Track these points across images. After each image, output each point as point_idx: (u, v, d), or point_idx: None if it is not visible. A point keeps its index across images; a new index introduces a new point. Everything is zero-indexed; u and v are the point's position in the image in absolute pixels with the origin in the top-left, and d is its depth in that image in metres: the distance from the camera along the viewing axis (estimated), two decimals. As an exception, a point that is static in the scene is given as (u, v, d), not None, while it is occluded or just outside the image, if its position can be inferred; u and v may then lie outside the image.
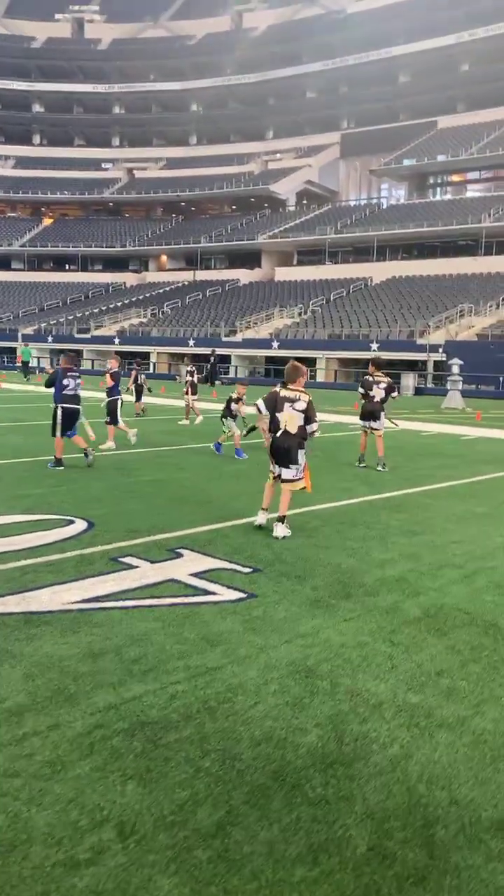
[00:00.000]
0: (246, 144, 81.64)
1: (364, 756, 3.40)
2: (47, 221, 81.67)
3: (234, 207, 79.22)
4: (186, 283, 67.11)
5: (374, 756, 3.41)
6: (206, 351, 43.71)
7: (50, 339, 56.90)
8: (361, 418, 12.44)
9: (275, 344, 46.01)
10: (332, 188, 75.77)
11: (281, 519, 7.49)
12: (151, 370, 50.03)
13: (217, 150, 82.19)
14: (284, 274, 62.83)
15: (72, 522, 7.69)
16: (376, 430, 12.16)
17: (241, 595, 5.58)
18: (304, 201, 74.06)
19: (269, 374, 46.91)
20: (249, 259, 67.62)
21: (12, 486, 9.62)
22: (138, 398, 20.65)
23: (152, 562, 6.35)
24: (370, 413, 12.17)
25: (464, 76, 68.78)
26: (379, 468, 11.90)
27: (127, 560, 6.39)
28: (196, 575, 6.03)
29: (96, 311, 62.77)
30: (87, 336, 56.33)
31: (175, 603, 5.37)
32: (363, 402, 12.35)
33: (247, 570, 6.23)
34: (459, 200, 62.92)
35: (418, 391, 37.42)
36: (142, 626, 4.89)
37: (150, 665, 4.30)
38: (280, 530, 7.41)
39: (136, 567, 6.20)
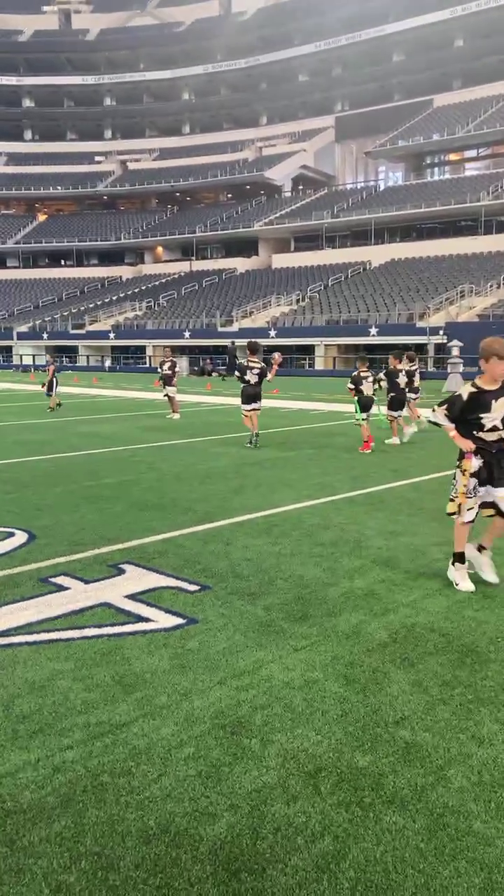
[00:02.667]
0: (239, 131, 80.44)
1: (283, 857, 2.60)
2: (41, 217, 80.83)
3: (229, 196, 78.10)
4: (183, 273, 66.17)
5: (297, 856, 2.60)
6: (204, 343, 42.88)
7: (45, 336, 56.15)
8: (244, 403, 13.00)
9: (272, 332, 45.10)
10: (328, 172, 74.53)
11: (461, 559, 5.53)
12: (147, 364, 49.33)
13: (210, 139, 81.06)
14: (281, 261, 61.81)
15: (11, 535, 6.91)
16: (257, 409, 13.03)
17: (180, 621, 4.78)
18: (300, 186, 72.89)
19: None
20: (246, 247, 66.62)
21: (-39, 495, 8.84)
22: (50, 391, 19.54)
23: (86, 582, 5.56)
24: (251, 396, 12.89)
25: (458, 52, 67.30)
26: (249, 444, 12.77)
27: (59, 580, 5.60)
28: (132, 597, 5.23)
29: (91, 305, 61.96)
30: (82, 332, 55.54)
31: (99, 635, 4.57)
32: (243, 386, 12.94)
33: (194, 587, 5.43)
34: (457, 179, 61.64)
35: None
36: (48, 668, 4.09)
37: (41, 723, 3.51)
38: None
39: (68, 589, 5.41)
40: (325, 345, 42.76)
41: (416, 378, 14.47)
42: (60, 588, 5.44)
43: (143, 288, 64.98)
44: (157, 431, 15.27)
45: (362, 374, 12.44)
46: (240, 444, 13.13)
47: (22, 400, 22.89)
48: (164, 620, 4.80)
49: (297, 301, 51.30)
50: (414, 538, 6.78)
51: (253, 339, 14.22)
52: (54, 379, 19.57)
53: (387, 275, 51.33)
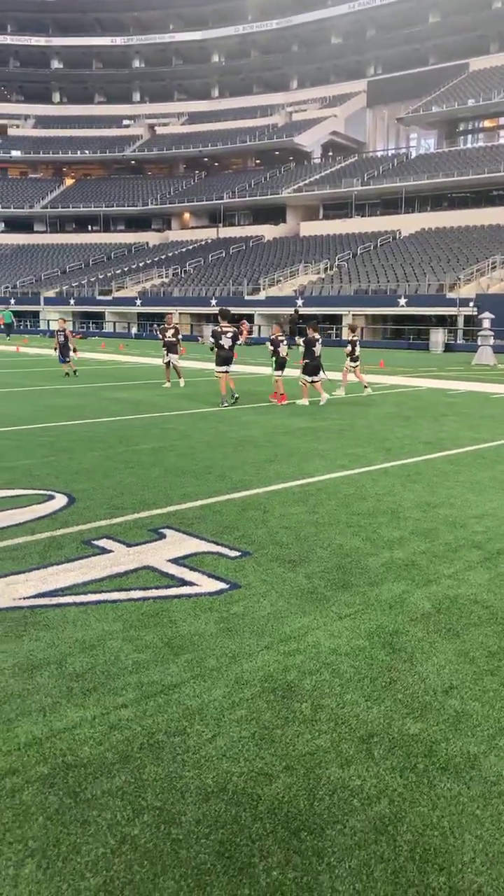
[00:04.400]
0: (269, 96, 79.05)
1: (341, 818, 2.64)
2: (69, 182, 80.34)
3: (257, 161, 77.06)
4: (210, 240, 65.60)
5: (355, 817, 2.64)
6: (231, 311, 42.55)
7: (72, 301, 56.17)
8: (217, 365, 14.03)
9: (299, 301, 44.69)
10: (358, 139, 73.14)
11: None
12: (174, 331, 49.05)
13: (240, 103, 79.79)
14: (310, 228, 61.00)
15: (52, 498, 6.99)
16: (228, 372, 14.11)
17: (223, 586, 4.83)
18: (330, 153, 71.66)
19: (293, 332, 45.67)
20: (274, 214, 65.83)
21: (-1, 458, 8.94)
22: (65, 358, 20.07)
23: (129, 545, 5.62)
24: (224, 359, 13.91)
25: (496, 14, 65.31)
26: (230, 400, 14.01)
27: (101, 543, 5.67)
28: (175, 561, 5.28)
29: (118, 272, 61.74)
30: (109, 298, 55.47)
31: (144, 597, 4.63)
32: (217, 350, 13.87)
33: (234, 553, 5.48)
34: (491, 147, 60.15)
35: (448, 347, 36.01)
36: (98, 629, 4.16)
37: (95, 682, 3.58)
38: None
39: (110, 552, 5.48)
40: (353, 314, 42.28)
41: (357, 347, 16.21)
42: (104, 551, 5.50)
43: (170, 254, 64.56)
44: (186, 399, 15.29)
45: (279, 337, 14.74)
46: (270, 413, 13.11)
47: (51, 364, 22.96)
48: (207, 585, 4.85)
49: (325, 269, 50.74)
50: (452, 510, 6.75)
51: (223, 307, 15.67)
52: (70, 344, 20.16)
53: (417, 244, 50.52)
